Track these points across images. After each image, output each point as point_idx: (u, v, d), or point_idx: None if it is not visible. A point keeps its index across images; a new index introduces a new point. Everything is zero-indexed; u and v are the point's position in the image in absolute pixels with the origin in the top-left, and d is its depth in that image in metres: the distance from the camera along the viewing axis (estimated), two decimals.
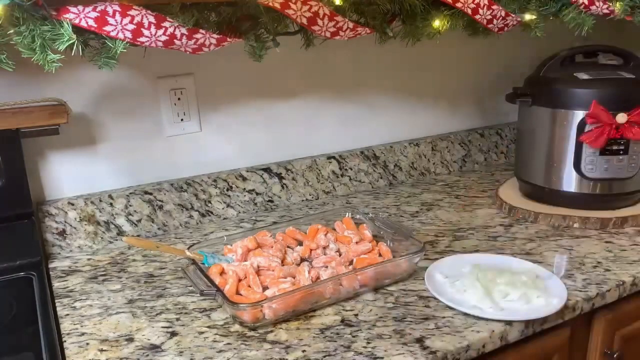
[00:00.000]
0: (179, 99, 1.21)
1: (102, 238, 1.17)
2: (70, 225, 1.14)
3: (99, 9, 0.85)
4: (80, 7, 0.84)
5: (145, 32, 0.88)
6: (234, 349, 0.81)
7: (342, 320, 0.87)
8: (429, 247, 1.09)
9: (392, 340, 0.81)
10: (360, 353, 0.78)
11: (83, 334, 0.87)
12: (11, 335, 0.87)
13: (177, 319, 0.89)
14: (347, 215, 1.13)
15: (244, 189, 1.30)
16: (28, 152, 1.08)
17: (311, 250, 1.03)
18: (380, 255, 1.00)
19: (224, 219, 1.28)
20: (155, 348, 0.82)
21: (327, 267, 0.97)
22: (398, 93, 1.47)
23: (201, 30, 0.93)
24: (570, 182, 1.21)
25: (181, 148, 1.24)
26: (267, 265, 0.96)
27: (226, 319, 0.89)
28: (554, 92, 1.20)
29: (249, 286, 0.92)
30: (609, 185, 1.19)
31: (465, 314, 0.86)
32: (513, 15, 1.19)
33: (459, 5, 1.10)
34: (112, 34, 0.86)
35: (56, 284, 1.02)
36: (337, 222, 1.11)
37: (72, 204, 1.14)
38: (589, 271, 0.99)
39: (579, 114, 1.15)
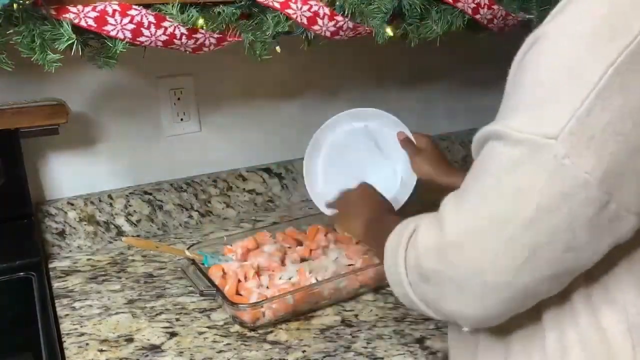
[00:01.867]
0: (178, 99, 1.21)
1: (101, 238, 1.17)
2: (70, 226, 1.14)
3: (98, 8, 0.84)
4: (80, 7, 0.84)
5: (145, 32, 0.88)
6: (234, 349, 0.81)
7: (342, 321, 0.87)
8: None
9: (392, 341, 0.81)
10: (361, 353, 0.78)
11: (83, 334, 0.87)
12: (11, 335, 0.87)
13: (177, 319, 0.89)
14: None
15: (244, 189, 1.30)
16: (28, 152, 1.07)
17: (311, 250, 1.03)
18: None
19: (224, 219, 1.28)
20: (155, 348, 0.82)
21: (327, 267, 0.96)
22: (398, 93, 1.47)
23: (201, 30, 0.93)
24: None
25: (181, 148, 1.24)
26: (267, 265, 0.96)
27: (226, 319, 0.88)
28: None
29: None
30: None
31: None
32: (513, 15, 1.19)
33: (459, 5, 1.10)
34: (112, 33, 0.86)
35: (56, 284, 1.02)
36: None
37: (72, 204, 1.14)
38: None
39: None
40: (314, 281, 0.92)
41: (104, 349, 0.83)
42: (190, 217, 1.25)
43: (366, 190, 0.91)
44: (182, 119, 1.22)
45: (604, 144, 0.45)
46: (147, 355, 0.81)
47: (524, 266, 0.49)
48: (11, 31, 0.82)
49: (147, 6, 0.88)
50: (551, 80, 0.48)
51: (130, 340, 0.85)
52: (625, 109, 0.45)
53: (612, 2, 0.47)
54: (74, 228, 1.14)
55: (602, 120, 0.45)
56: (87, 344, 0.84)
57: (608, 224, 0.48)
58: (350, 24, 1.03)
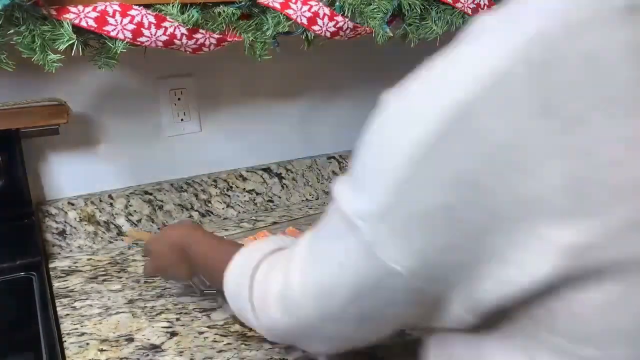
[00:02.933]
0: (179, 99, 1.21)
1: (102, 238, 1.17)
2: (70, 225, 1.14)
3: (99, 9, 0.85)
4: (81, 7, 0.84)
5: (145, 32, 0.88)
6: (234, 349, 0.81)
7: None
8: None
9: (392, 341, 0.81)
10: (360, 353, 0.78)
11: (83, 334, 0.87)
12: (11, 335, 0.87)
13: (177, 319, 0.89)
14: None
15: (244, 189, 1.30)
16: (28, 152, 1.07)
17: None
18: None
19: (224, 219, 1.28)
20: (155, 348, 0.82)
21: None
22: None
23: (201, 30, 0.93)
24: None
25: (181, 148, 1.24)
26: None
27: (226, 319, 0.89)
28: None
29: None
30: None
31: None
32: None
33: (459, 5, 1.10)
34: (112, 34, 0.86)
35: (56, 284, 1.02)
36: None
37: (72, 204, 1.14)
38: None
39: None
40: None
41: (104, 348, 0.83)
42: (190, 217, 1.25)
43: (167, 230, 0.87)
44: (182, 119, 1.22)
45: (410, 238, 0.42)
46: (147, 355, 0.81)
47: (357, 330, 0.51)
48: (11, 31, 0.82)
49: (147, 6, 0.88)
50: (368, 156, 0.46)
51: (130, 339, 0.85)
52: (426, 204, 0.41)
53: (424, 79, 0.44)
54: (75, 228, 1.15)
55: (404, 214, 0.42)
56: (87, 344, 0.84)
57: (432, 311, 0.46)
58: (350, 24, 1.04)
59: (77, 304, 0.95)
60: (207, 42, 0.95)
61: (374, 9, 1.04)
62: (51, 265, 1.09)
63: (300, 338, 0.57)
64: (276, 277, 0.56)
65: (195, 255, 0.77)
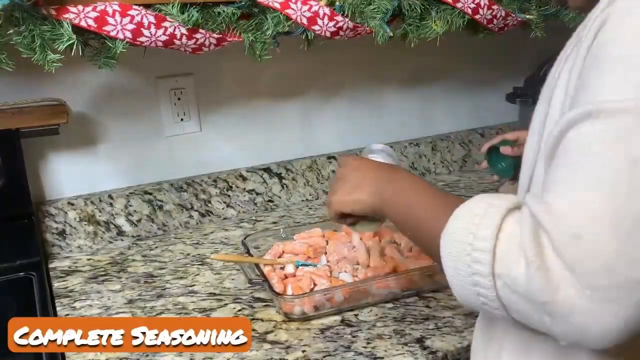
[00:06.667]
0: (179, 99, 1.21)
1: (102, 238, 1.17)
2: (70, 225, 1.14)
3: (98, 8, 0.85)
4: (80, 7, 0.84)
5: (145, 32, 0.88)
6: None
7: (342, 321, 0.87)
8: None
9: (392, 341, 0.81)
10: (361, 353, 0.78)
11: None
12: None
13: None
14: None
15: (244, 189, 1.30)
16: (28, 152, 1.07)
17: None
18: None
19: (224, 219, 1.28)
20: None
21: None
22: (398, 93, 1.47)
23: (201, 30, 0.93)
24: None
25: (181, 148, 1.24)
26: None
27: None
28: None
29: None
30: None
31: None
32: (513, 15, 1.19)
33: (459, 5, 1.10)
34: (112, 34, 0.86)
35: (56, 284, 1.02)
36: None
37: (72, 204, 1.14)
38: None
39: None
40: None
41: None
42: (190, 217, 1.25)
43: (363, 159, 0.78)
44: (182, 119, 1.22)
45: None
46: (147, 355, 0.81)
47: None
48: (11, 31, 0.82)
49: (147, 6, 0.88)
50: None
51: None
52: None
53: None
54: (74, 228, 1.15)
55: None
56: None
57: None
58: (350, 24, 1.03)
59: (77, 304, 0.95)
60: (207, 42, 0.95)
61: (374, 9, 1.04)
62: (51, 266, 1.09)
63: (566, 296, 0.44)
64: (527, 220, 0.47)
65: (396, 204, 0.65)
